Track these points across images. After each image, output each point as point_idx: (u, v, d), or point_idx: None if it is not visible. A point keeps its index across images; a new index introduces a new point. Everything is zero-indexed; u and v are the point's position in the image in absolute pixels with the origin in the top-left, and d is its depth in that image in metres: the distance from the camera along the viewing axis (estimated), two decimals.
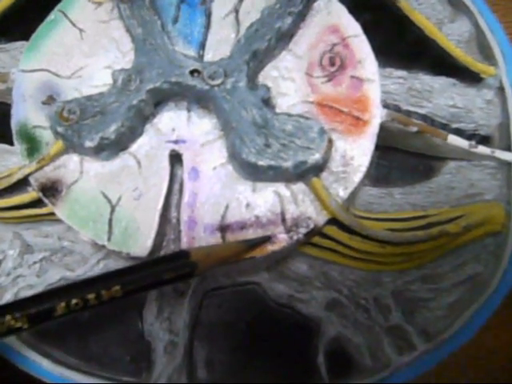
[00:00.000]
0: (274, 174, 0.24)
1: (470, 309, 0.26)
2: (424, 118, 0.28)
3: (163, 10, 0.27)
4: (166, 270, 0.22)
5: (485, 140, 0.29)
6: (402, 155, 0.28)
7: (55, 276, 0.27)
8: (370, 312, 0.26)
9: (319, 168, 0.24)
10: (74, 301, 0.21)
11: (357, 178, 0.24)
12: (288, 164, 0.23)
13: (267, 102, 0.24)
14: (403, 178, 0.28)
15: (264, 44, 0.25)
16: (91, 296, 0.21)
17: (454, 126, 0.28)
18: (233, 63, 0.25)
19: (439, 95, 0.28)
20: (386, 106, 0.27)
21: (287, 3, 0.25)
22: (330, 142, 0.24)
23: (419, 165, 0.28)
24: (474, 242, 0.27)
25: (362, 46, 0.26)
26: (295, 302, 0.26)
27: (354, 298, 0.26)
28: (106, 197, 0.25)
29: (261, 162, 0.23)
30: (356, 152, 0.25)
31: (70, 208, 0.25)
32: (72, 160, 0.25)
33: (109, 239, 0.24)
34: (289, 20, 0.25)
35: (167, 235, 0.26)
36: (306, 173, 0.24)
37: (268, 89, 0.25)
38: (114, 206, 0.25)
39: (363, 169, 0.24)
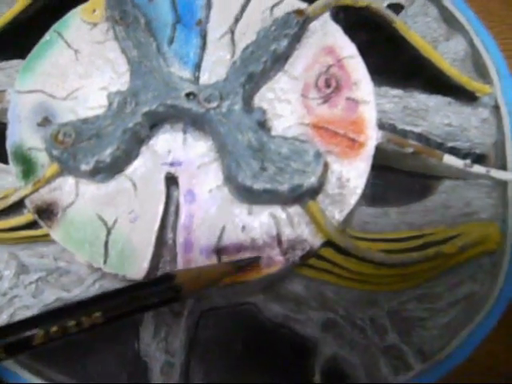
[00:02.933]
0: (270, 198, 0.24)
1: (467, 328, 0.26)
2: (419, 136, 0.28)
3: (159, 30, 0.26)
4: (149, 294, 0.21)
5: (480, 158, 0.29)
6: (398, 174, 0.28)
7: (51, 296, 0.27)
8: (366, 332, 0.26)
9: (315, 191, 0.24)
10: (53, 328, 0.20)
11: (353, 200, 0.24)
12: (284, 188, 0.23)
13: (263, 125, 0.24)
14: (399, 198, 0.28)
15: (260, 66, 0.25)
16: (71, 323, 0.20)
17: (450, 144, 0.29)
18: (228, 86, 0.25)
19: (435, 114, 0.28)
20: (381, 124, 0.28)
21: (283, 25, 0.25)
22: (326, 165, 0.24)
23: (415, 184, 0.28)
24: (470, 261, 0.27)
25: (357, 68, 0.26)
26: (291, 322, 0.26)
27: (350, 318, 0.26)
28: (101, 219, 0.25)
29: (256, 186, 0.23)
30: (352, 174, 0.25)
31: (65, 231, 0.25)
32: (67, 182, 0.25)
33: (105, 262, 0.24)
34: (284, 42, 0.25)
35: (163, 257, 0.26)
36: (302, 196, 0.24)
37: (263, 112, 0.25)
38: (109, 228, 0.25)
39: (359, 191, 0.24)
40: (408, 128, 0.29)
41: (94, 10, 0.27)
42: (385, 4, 0.30)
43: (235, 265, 0.23)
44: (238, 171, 0.23)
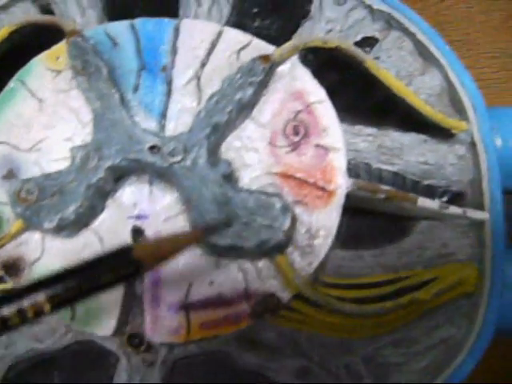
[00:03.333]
0: (237, 253, 0.23)
1: (444, 372, 0.26)
2: (395, 175, 0.28)
3: (123, 78, 0.26)
4: (104, 271, 0.19)
5: (457, 196, 0.28)
6: (372, 215, 0.28)
7: (23, 347, 0.27)
8: (341, 379, 0.26)
9: (283, 246, 0.23)
10: None
11: (323, 251, 0.24)
12: (250, 244, 0.23)
13: (229, 178, 0.24)
14: (374, 239, 0.28)
15: (225, 117, 0.24)
16: (11, 313, 0.18)
17: (426, 182, 0.28)
18: (193, 138, 0.24)
19: (410, 152, 0.28)
20: (356, 164, 0.27)
21: (248, 73, 0.25)
22: (294, 219, 0.23)
23: (390, 225, 0.28)
24: (447, 303, 0.26)
25: (326, 113, 0.25)
26: (265, 371, 0.26)
27: (325, 365, 0.26)
28: None
29: (222, 242, 0.23)
30: (322, 224, 0.24)
31: None
32: (33, 237, 0.25)
33: (72, 318, 0.24)
34: (250, 91, 0.24)
35: (133, 309, 0.25)
36: (270, 251, 0.23)
37: (229, 164, 0.24)
38: None
39: (329, 242, 0.24)
40: (383, 167, 0.28)
41: (58, 57, 0.26)
42: (358, 38, 0.29)
43: (202, 229, 0.22)
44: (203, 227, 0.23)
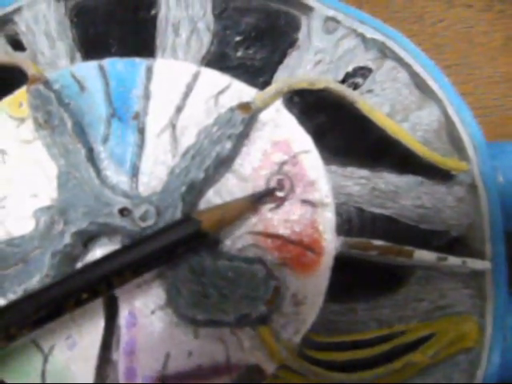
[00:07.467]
0: (216, 326, 0.21)
1: None
2: (389, 220, 0.26)
3: (92, 126, 0.24)
4: (176, 243, 0.21)
5: (456, 241, 0.26)
6: (365, 265, 0.26)
7: None
8: None
9: (266, 318, 0.22)
10: (84, 296, 0.20)
11: (310, 318, 0.22)
12: (230, 318, 0.21)
13: (206, 244, 0.22)
14: (367, 291, 0.26)
15: (201, 174, 0.22)
16: (102, 287, 0.21)
17: (423, 227, 0.26)
18: (167, 198, 0.22)
19: (405, 195, 0.26)
20: (347, 209, 0.25)
21: (226, 124, 0.22)
22: (277, 289, 0.21)
23: (384, 275, 0.26)
24: (445, 360, 0.25)
25: (313, 164, 0.23)
26: None
27: None
28: (37, 346, 0.23)
29: (199, 317, 0.21)
30: (309, 289, 0.22)
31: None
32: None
33: None
34: (228, 144, 0.22)
35: (109, 376, 0.24)
36: (251, 324, 0.21)
37: None
38: (46, 355, 0.23)
39: (317, 308, 0.22)
40: (377, 211, 0.26)
41: (21, 104, 0.24)
42: (350, 68, 0.27)
43: (253, 199, 0.22)
44: (177, 299, 0.21)
